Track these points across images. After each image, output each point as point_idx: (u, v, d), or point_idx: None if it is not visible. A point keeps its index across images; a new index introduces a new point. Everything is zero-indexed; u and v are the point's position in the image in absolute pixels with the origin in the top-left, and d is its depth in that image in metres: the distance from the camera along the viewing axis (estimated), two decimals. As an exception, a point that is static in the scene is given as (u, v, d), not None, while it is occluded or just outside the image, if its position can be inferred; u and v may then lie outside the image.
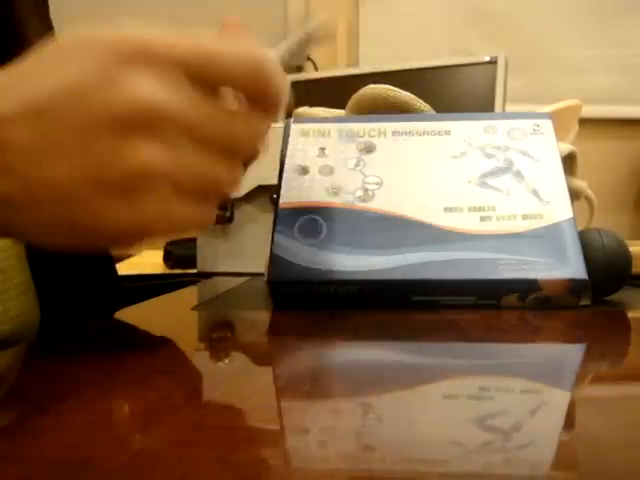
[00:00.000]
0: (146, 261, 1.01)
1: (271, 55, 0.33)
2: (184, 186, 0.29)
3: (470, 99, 1.09)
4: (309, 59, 1.66)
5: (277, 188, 0.50)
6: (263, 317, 0.42)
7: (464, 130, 0.52)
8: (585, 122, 0.82)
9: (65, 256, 0.48)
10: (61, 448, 0.17)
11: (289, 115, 0.65)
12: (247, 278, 0.67)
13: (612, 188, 1.67)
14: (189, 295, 0.58)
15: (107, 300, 0.56)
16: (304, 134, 0.52)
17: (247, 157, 0.33)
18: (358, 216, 0.47)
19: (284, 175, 0.50)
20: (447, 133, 0.52)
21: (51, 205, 0.27)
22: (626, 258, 0.47)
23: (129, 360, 0.28)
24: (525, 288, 0.44)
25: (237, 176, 0.32)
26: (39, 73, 0.28)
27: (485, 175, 0.49)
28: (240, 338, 0.35)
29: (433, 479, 0.15)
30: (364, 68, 1.36)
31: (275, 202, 0.49)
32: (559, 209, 0.47)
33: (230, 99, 0.32)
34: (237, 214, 0.78)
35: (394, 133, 0.52)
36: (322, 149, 0.51)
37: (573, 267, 0.44)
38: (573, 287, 0.44)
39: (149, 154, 0.27)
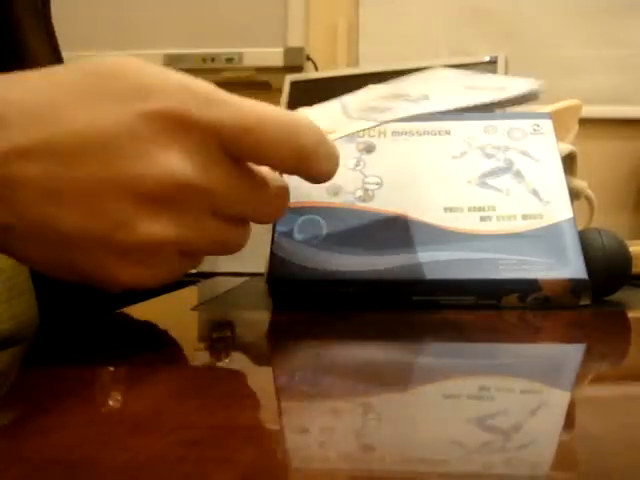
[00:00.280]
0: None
1: (327, 137, 0.31)
2: (191, 248, 0.29)
3: (470, 99, 1.09)
4: (309, 59, 1.66)
5: (277, 188, 0.50)
6: (263, 317, 0.42)
7: (464, 130, 0.52)
8: (585, 122, 0.82)
9: None
10: (61, 448, 0.17)
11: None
12: (247, 278, 0.67)
13: (612, 188, 1.67)
14: (189, 295, 0.58)
15: (107, 300, 0.56)
16: (304, 134, 0.52)
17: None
18: (358, 216, 0.47)
19: (284, 175, 0.50)
20: (447, 133, 0.52)
21: (54, 246, 0.26)
22: (626, 258, 0.47)
23: (129, 360, 0.28)
24: (525, 288, 0.44)
25: (245, 238, 0.31)
26: (69, 110, 0.26)
27: (485, 175, 0.49)
28: (240, 338, 0.35)
29: (433, 479, 0.15)
30: (364, 68, 1.36)
31: (275, 202, 0.49)
32: (559, 209, 0.47)
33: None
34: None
35: (394, 133, 0.52)
36: (322, 149, 0.51)
37: (573, 267, 0.44)
38: (573, 287, 0.44)
39: (165, 228, 0.27)
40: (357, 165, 0.50)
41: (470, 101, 0.36)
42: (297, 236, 0.46)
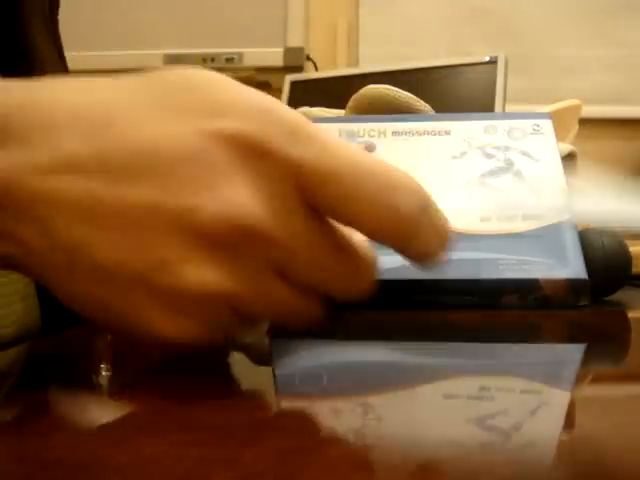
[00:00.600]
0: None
1: (436, 205, 0.25)
2: (246, 307, 0.23)
3: (470, 99, 1.09)
4: (309, 59, 1.66)
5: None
6: (263, 317, 0.42)
7: (464, 130, 0.52)
8: (585, 122, 0.82)
9: None
10: (62, 448, 0.17)
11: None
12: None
13: (612, 188, 1.66)
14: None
15: None
16: (304, 134, 0.52)
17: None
18: (358, 216, 0.47)
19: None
20: (447, 133, 0.52)
21: (85, 278, 0.22)
22: (626, 258, 0.47)
23: (128, 360, 0.28)
24: (525, 288, 0.44)
25: (315, 313, 0.25)
26: (125, 117, 0.22)
27: (485, 175, 0.49)
28: (240, 338, 0.35)
29: (433, 479, 0.15)
30: (364, 68, 1.36)
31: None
32: (559, 209, 0.47)
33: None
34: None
35: (394, 133, 0.52)
36: (322, 149, 0.51)
37: (573, 267, 0.44)
38: (573, 287, 0.44)
39: (217, 278, 0.22)
40: (357, 165, 0.50)
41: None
42: (297, 236, 0.46)
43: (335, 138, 0.23)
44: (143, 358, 0.29)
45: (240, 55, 1.64)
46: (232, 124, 0.22)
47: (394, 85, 0.60)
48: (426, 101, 0.60)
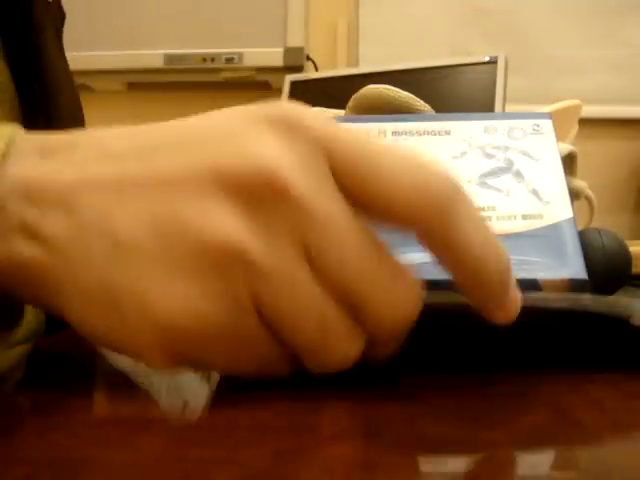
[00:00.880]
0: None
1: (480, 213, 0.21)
2: (260, 284, 0.20)
3: (470, 99, 1.09)
4: (309, 59, 1.66)
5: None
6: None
7: (464, 130, 0.52)
8: (585, 122, 0.82)
9: None
10: (62, 448, 0.17)
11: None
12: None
13: (612, 188, 1.67)
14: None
15: None
16: (304, 134, 0.52)
17: (382, 336, 0.21)
18: (358, 216, 0.47)
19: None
20: (447, 133, 0.52)
21: (102, 264, 0.20)
22: (626, 258, 0.47)
23: (129, 360, 0.28)
24: (525, 288, 0.44)
25: (357, 349, 0.21)
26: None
27: (485, 175, 0.49)
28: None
29: (433, 479, 0.15)
30: (364, 68, 1.36)
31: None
32: (559, 209, 0.47)
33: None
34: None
35: (394, 133, 0.52)
36: (322, 149, 0.51)
37: (573, 267, 0.44)
38: (573, 287, 0.44)
39: (241, 230, 0.19)
40: (357, 165, 0.50)
41: None
42: (297, 236, 0.46)
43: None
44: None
45: (240, 55, 1.64)
46: (263, 109, 0.21)
47: (394, 85, 0.60)
48: (426, 101, 0.60)
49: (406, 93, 0.59)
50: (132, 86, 1.71)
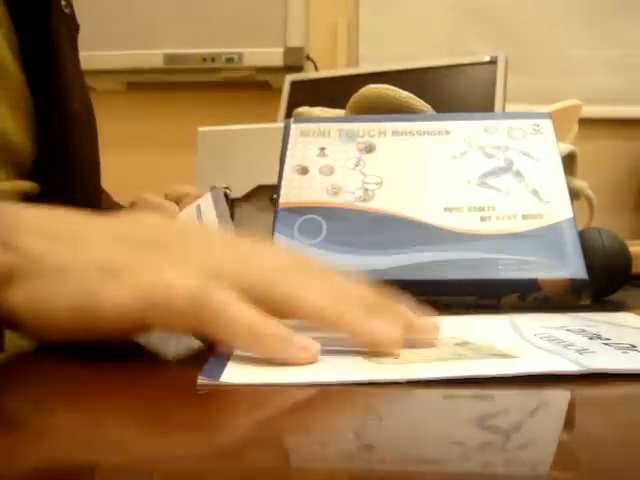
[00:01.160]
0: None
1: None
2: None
3: (470, 99, 1.09)
4: (309, 59, 1.66)
5: (277, 188, 0.50)
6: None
7: (464, 130, 0.52)
8: (585, 122, 0.82)
9: None
10: (62, 448, 0.17)
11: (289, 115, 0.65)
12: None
13: (612, 188, 1.67)
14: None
15: None
16: (304, 134, 0.52)
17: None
18: (358, 216, 0.47)
19: (284, 175, 0.50)
20: (447, 133, 0.52)
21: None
22: (626, 258, 0.47)
23: (129, 360, 0.28)
24: (525, 288, 0.44)
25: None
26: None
27: (485, 175, 0.49)
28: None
29: (433, 479, 0.15)
30: (364, 68, 1.36)
31: (275, 202, 0.49)
32: (559, 209, 0.47)
33: None
34: (237, 214, 0.78)
35: (394, 133, 0.52)
36: (322, 149, 0.51)
37: (573, 267, 0.44)
38: (573, 287, 0.44)
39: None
40: (357, 165, 0.50)
41: None
42: (297, 236, 0.46)
43: None
44: (143, 357, 0.29)
45: (240, 55, 1.64)
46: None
47: (394, 85, 0.60)
48: (426, 101, 0.60)
49: (406, 93, 0.59)
50: (132, 86, 1.71)
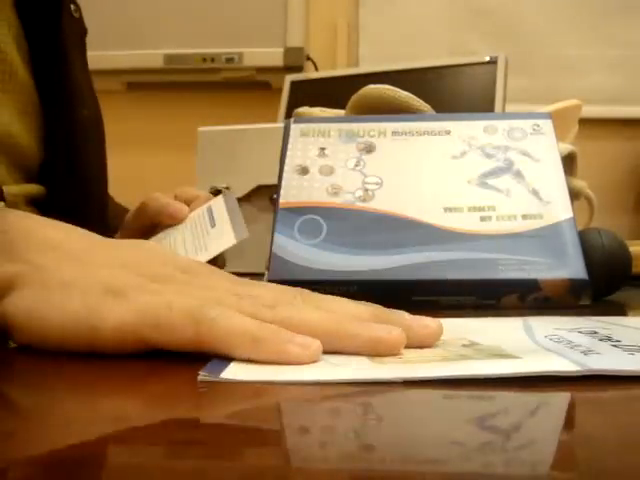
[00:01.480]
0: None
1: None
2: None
3: (470, 99, 1.09)
4: (309, 59, 1.66)
5: (277, 188, 0.50)
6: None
7: (464, 130, 0.52)
8: (585, 122, 0.82)
9: None
10: (62, 448, 0.17)
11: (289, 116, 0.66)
12: (247, 278, 0.67)
13: (612, 188, 1.67)
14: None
15: None
16: (304, 134, 0.52)
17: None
18: (358, 216, 0.47)
19: (284, 175, 0.50)
20: (447, 133, 0.52)
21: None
22: (626, 258, 0.47)
23: (129, 359, 0.28)
24: (525, 288, 0.44)
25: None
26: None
27: (485, 175, 0.49)
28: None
29: (433, 479, 0.15)
30: (364, 68, 1.36)
31: (275, 202, 0.49)
32: (559, 209, 0.47)
33: None
34: (237, 214, 0.78)
35: (394, 133, 0.52)
36: (322, 149, 0.51)
37: (573, 267, 0.44)
38: (573, 287, 0.44)
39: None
40: (357, 165, 0.50)
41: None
42: (297, 236, 0.46)
43: None
44: (143, 357, 0.29)
45: (240, 55, 1.64)
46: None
47: (394, 85, 0.60)
48: (426, 101, 0.60)
49: (406, 93, 0.59)
50: (132, 86, 1.71)
